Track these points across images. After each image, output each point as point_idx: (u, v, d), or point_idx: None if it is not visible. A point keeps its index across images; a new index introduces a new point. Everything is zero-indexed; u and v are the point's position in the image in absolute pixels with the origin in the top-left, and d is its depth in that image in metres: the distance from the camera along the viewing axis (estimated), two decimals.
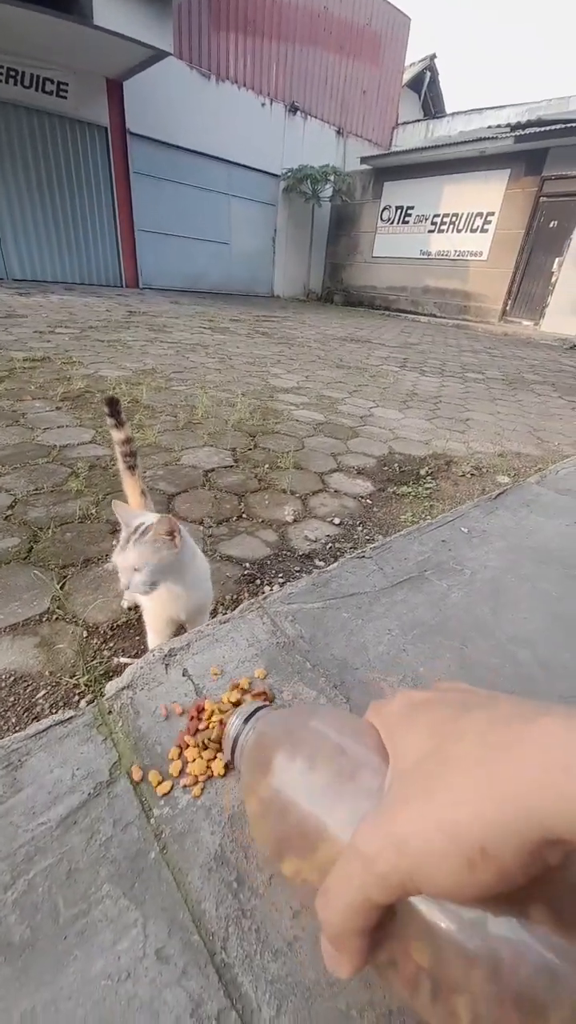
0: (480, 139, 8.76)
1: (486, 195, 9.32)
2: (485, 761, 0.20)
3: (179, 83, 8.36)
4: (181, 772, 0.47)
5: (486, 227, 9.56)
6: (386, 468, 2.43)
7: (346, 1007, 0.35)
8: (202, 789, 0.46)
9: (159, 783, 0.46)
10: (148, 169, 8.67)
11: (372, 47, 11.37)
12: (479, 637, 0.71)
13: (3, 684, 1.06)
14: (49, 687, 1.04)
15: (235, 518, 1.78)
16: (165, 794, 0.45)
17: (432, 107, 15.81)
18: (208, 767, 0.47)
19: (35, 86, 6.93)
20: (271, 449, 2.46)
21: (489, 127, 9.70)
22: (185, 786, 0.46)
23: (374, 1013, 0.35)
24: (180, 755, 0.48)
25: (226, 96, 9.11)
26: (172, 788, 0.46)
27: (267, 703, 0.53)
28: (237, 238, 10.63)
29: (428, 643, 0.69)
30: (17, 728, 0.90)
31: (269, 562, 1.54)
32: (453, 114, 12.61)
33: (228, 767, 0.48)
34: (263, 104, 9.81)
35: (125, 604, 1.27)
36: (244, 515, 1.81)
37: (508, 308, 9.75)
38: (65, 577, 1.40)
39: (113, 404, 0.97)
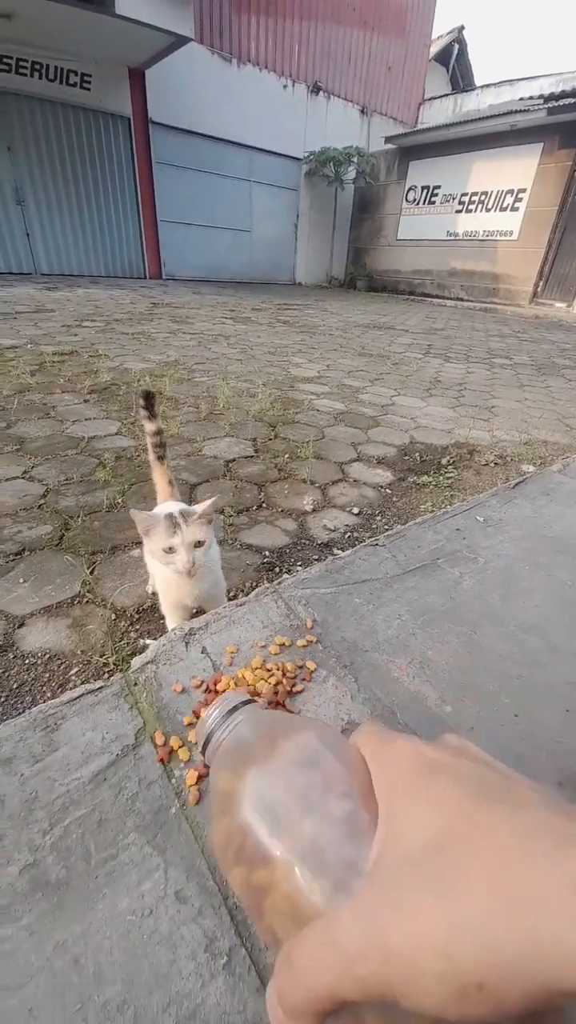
0: (511, 112, 8.36)
1: (517, 171, 8.92)
2: (502, 887, 0.18)
3: (200, 69, 8.27)
4: None
5: (517, 205, 9.16)
6: (407, 457, 2.42)
7: None
8: None
9: (179, 748, 0.50)
10: (170, 158, 8.66)
11: (397, 21, 10.95)
12: (488, 623, 0.73)
13: (40, 661, 1.14)
14: (81, 665, 1.11)
15: (255, 507, 1.82)
16: (185, 760, 0.50)
17: (461, 81, 15.13)
18: None
19: (59, 79, 7.00)
20: (291, 439, 2.48)
21: (520, 99, 9.22)
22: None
23: None
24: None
25: (248, 79, 8.97)
26: (191, 754, 0.50)
27: (255, 699, 0.41)
28: (258, 225, 10.54)
29: (437, 628, 0.71)
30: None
31: (288, 551, 1.58)
32: (483, 87, 12.02)
33: None
34: (285, 86, 9.62)
35: (150, 589, 1.33)
36: (264, 504, 1.84)
37: (539, 290, 9.36)
38: (94, 563, 1.47)
39: (149, 398, 1.02)
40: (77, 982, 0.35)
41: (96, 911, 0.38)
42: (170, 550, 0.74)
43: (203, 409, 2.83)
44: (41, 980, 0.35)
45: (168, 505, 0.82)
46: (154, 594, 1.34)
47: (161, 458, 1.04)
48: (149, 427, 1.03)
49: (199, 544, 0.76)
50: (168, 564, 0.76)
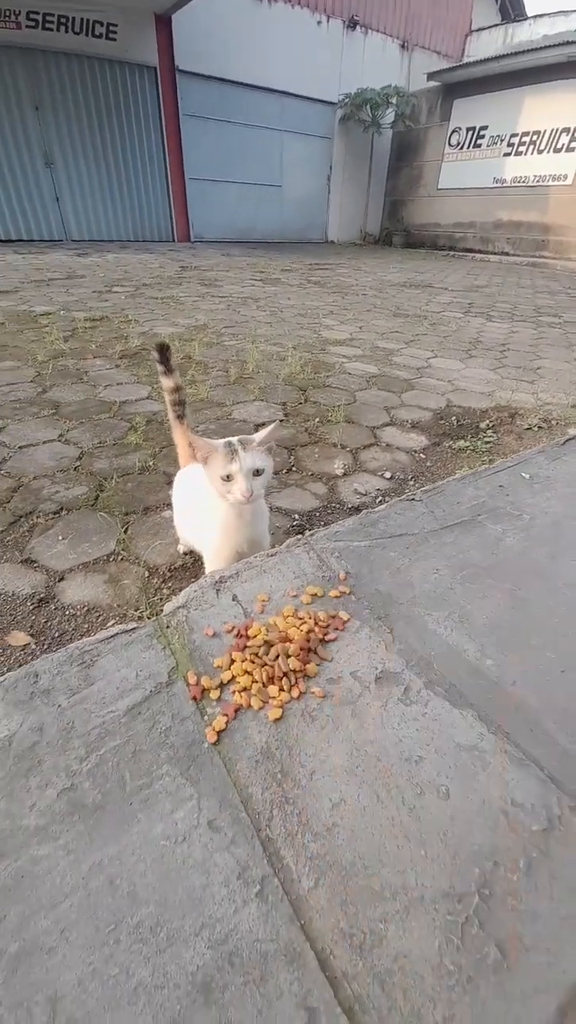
0: (567, 42, 7.49)
1: (574, 107, 8.05)
2: None
3: (229, 9, 7.74)
4: (231, 680, 0.51)
5: (573, 145, 8.29)
6: (443, 422, 2.31)
7: (380, 888, 0.38)
8: (250, 696, 0.49)
9: (211, 688, 0.50)
10: (198, 109, 8.27)
11: None
12: (534, 580, 0.69)
13: (79, 612, 1.18)
14: (117, 618, 1.14)
15: (285, 471, 1.79)
16: (217, 698, 0.49)
17: (511, 10, 13.61)
18: (254, 679, 0.50)
19: (85, 31, 6.72)
20: (322, 403, 2.41)
21: None
22: (234, 692, 0.50)
23: (407, 896, 0.37)
24: (230, 666, 0.52)
25: (279, 17, 8.34)
26: (222, 693, 0.50)
27: None
28: (289, 180, 10.02)
29: (478, 584, 0.68)
30: None
31: (318, 514, 1.55)
32: (535, 17, 10.78)
33: (272, 679, 0.51)
34: (319, 22, 8.90)
35: (181, 549, 1.35)
36: (294, 468, 1.81)
37: None
38: (128, 523, 1.50)
39: (163, 351, 0.97)
40: (111, 902, 0.35)
41: (131, 835, 0.39)
42: (228, 478, 0.71)
43: (232, 373, 2.79)
44: (75, 899, 0.36)
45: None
46: (186, 554, 1.35)
47: (180, 417, 1.01)
48: (166, 383, 0.99)
49: (258, 473, 0.72)
50: (226, 494, 0.72)
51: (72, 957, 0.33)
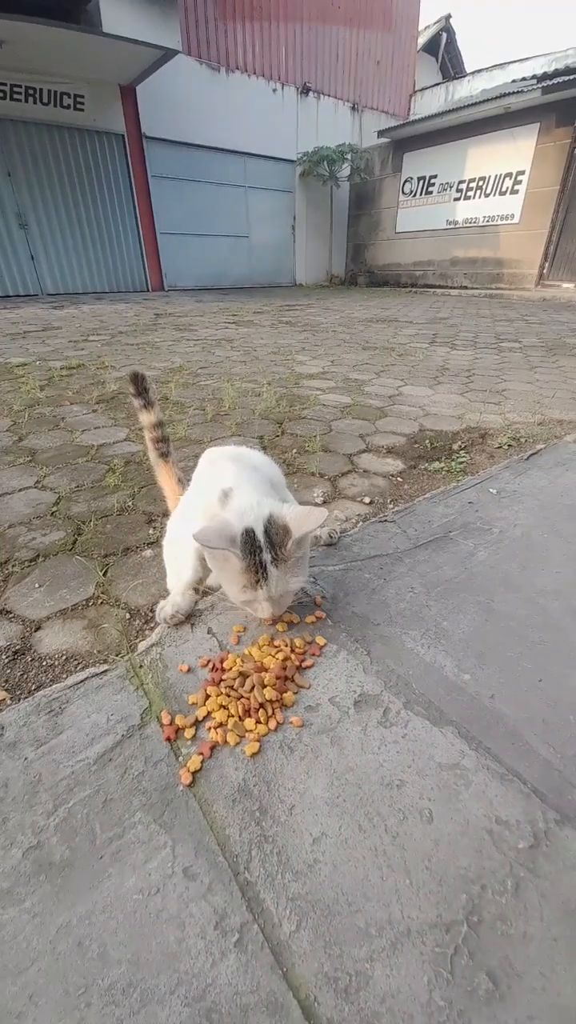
0: (504, 95, 8.24)
1: (515, 154, 8.77)
2: None
3: (190, 80, 8.38)
4: (206, 717, 0.50)
5: (516, 188, 9.00)
6: (417, 445, 2.37)
7: (365, 925, 0.36)
8: (225, 732, 0.48)
9: (186, 727, 0.49)
10: (166, 171, 8.78)
11: (383, 15, 10.92)
12: (506, 591, 0.69)
13: (57, 662, 1.14)
14: (97, 663, 1.11)
15: None
16: (192, 736, 0.48)
17: (451, 69, 14.98)
18: (229, 713, 0.49)
19: (53, 102, 7.17)
20: (298, 434, 2.46)
21: (513, 81, 9.09)
22: (209, 728, 0.48)
23: (393, 931, 0.36)
24: (205, 702, 0.51)
25: (237, 86, 9.05)
26: (197, 731, 0.48)
27: None
28: (256, 230, 10.59)
29: (452, 599, 0.68)
30: None
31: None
32: (474, 73, 11.89)
33: (248, 711, 0.50)
34: (274, 89, 9.67)
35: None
36: None
37: (545, 272, 9.17)
38: (107, 565, 1.47)
39: (138, 381, 0.84)
40: (80, 964, 0.33)
41: (101, 891, 0.37)
42: (250, 600, 0.53)
43: (209, 411, 2.84)
44: (43, 964, 0.33)
45: (241, 496, 0.54)
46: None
47: (164, 455, 0.88)
48: (146, 419, 0.85)
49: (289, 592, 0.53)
50: (244, 606, 0.56)
51: (42, 1022, 0.31)
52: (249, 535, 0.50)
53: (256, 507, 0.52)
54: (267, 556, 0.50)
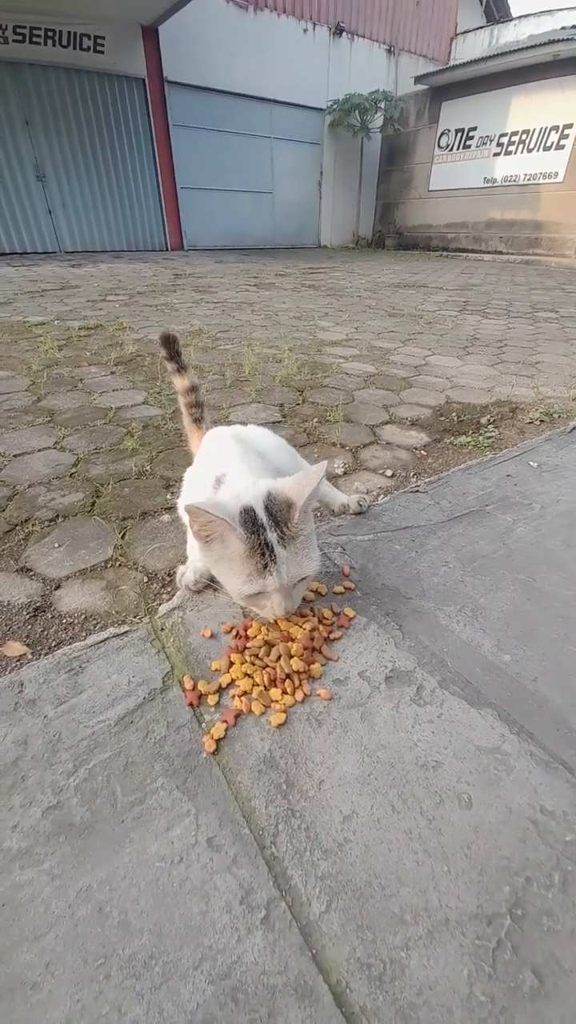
0: (553, 41, 7.55)
1: (562, 105, 8.08)
2: None
3: (215, 20, 7.83)
4: (230, 684, 0.47)
5: (563, 142, 8.34)
6: (443, 418, 2.28)
7: (399, 910, 0.34)
8: (250, 701, 0.46)
9: (209, 693, 0.46)
10: (187, 119, 8.35)
11: None
12: (549, 570, 0.65)
13: (77, 621, 1.14)
14: (115, 624, 1.11)
15: None
16: (215, 703, 0.46)
17: (496, 12, 13.77)
18: (255, 681, 0.47)
19: (72, 44, 6.80)
20: (320, 403, 2.38)
21: (563, 28, 8.30)
22: (233, 696, 0.46)
23: (429, 920, 0.33)
24: (229, 669, 0.48)
25: (265, 27, 8.44)
26: (221, 698, 0.46)
27: None
28: (281, 186, 10.09)
29: (490, 575, 0.64)
30: None
31: (319, 513, 1.52)
32: (520, 17, 10.93)
33: (274, 681, 0.47)
34: (305, 30, 9.00)
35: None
36: None
37: None
38: (125, 528, 1.46)
39: (169, 344, 0.79)
40: (100, 932, 0.32)
41: (123, 856, 0.35)
42: (257, 594, 0.45)
43: (228, 376, 2.77)
44: (61, 929, 0.32)
45: (236, 479, 0.49)
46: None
47: (198, 420, 0.82)
48: (180, 383, 0.80)
49: (303, 579, 0.47)
50: (246, 605, 0.49)
51: (58, 993, 0.30)
52: (249, 514, 0.44)
53: (252, 487, 0.47)
54: (272, 535, 0.44)
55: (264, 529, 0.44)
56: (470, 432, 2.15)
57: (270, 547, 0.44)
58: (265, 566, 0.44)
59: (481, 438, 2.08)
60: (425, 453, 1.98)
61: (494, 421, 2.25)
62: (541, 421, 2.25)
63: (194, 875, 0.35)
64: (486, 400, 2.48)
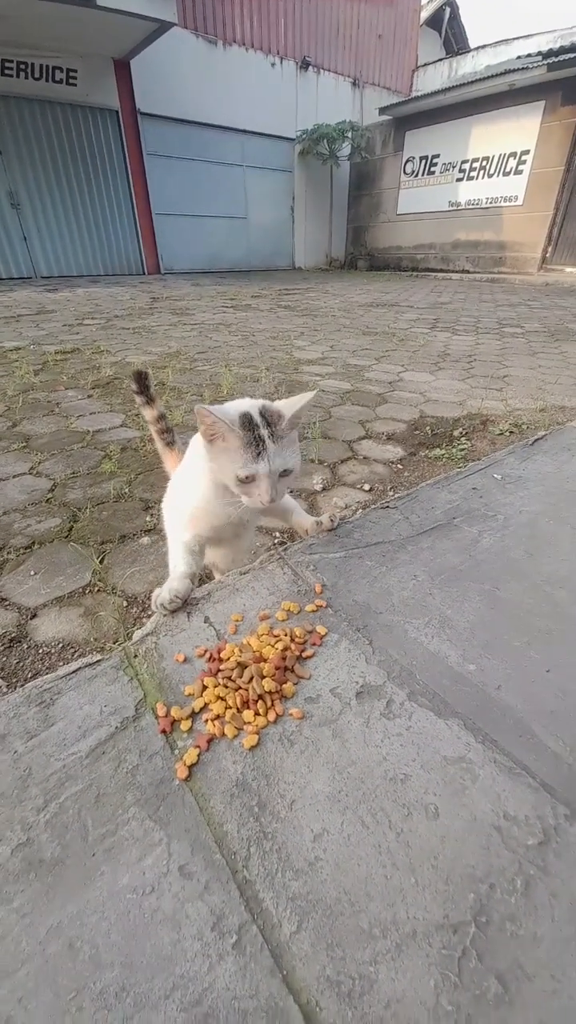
0: (509, 71, 8.00)
1: (519, 133, 8.55)
2: None
3: (186, 54, 8.11)
4: (203, 708, 0.48)
5: (520, 168, 8.80)
6: (417, 432, 2.34)
7: (368, 925, 0.34)
8: (223, 724, 0.46)
9: (182, 719, 0.47)
10: (161, 149, 8.55)
11: None
12: (512, 579, 0.67)
13: (53, 651, 1.12)
14: (93, 652, 1.09)
15: None
16: (188, 729, 0.46)
17: (455, 44, 14.55)
18: (227, 704, 0.47)
19: (45, 76, 6.95)
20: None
21: (518, 58, 8.82)
22: (206, 720, 0.47)
23: (398, 933, 0.34)
24: (202, 692, 0.49)
25: (234, 61, 8.77)
26: (194, 723, 0.46)
27: None
28: (254, 211, 10.37)
29: (456, 587, 0.66)
30: None
31: (291, 535, 1.53)
32: (478, 48, 11.55)
33: (246, 703, 0.48)
34: (273, 64, 9.37)
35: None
36: None
37: (548, 255, 9.02)
38: (104, 552, 1.45)
39: (141, 379, 0.86)
40: (72, 967, 0.32)
41: (93, 890, 0.35)
42: (248, 478, 0.54)
43: (207, 397, 2.79)
44: (33, 966, 0.32)
45: (238, 402, 0.59)
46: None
47: (170, 444, 0.90)
48: (149, 414, 0.87)
49: (286, 472, 0.56)
50: (239, 493, 0.56)
51: None
52: (246, 417, 0.56)
53: (249, 401, 0.59)
54: (264, 432, 0.55)
55: (258, 427, 0.55)
56: (444, 445, 2.21)
57: (263, 441, 0.55)
58: (258, 454, 0.54)
59: (454, 450, 2.15)
60: (401, 466, 2.02)
61: (466, 433, 2.32)
62: (511, 432, 2.33)
63: (165, 905, 0.35)
64: (458, 413, 2.55)
